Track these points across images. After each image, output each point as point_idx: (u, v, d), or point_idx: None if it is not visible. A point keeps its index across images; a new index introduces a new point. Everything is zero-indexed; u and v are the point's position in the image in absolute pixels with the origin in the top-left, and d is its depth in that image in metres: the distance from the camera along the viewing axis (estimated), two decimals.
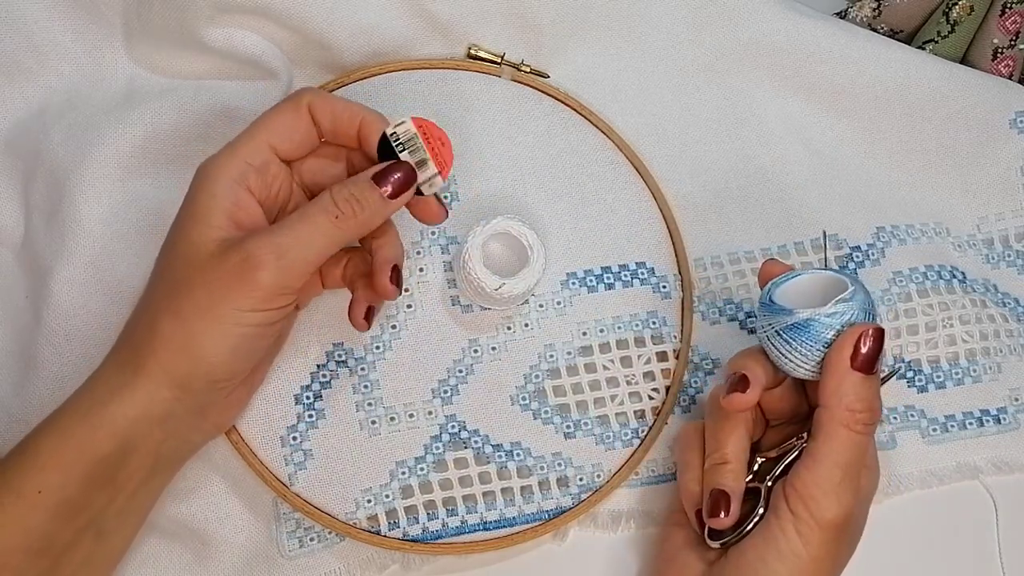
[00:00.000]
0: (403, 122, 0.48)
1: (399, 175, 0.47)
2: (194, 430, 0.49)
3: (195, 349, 0.45)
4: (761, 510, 0.49)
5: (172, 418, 0.46)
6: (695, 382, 0.58)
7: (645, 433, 0.56)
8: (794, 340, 0.47)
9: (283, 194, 0.49)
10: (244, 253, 0.44)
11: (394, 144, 0.48)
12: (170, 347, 0.45)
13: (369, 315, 0.51)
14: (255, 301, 0.45)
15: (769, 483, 0.49)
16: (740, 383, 0.48)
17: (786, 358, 0.48)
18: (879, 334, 0.46)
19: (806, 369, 0.48)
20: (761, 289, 0.50)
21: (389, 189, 0.47)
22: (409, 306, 0.56)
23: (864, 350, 0.46)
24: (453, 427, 0.55)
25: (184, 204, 0.47)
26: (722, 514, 0.49)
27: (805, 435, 0.49)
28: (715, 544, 0.50)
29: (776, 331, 0.48)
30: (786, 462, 0.50)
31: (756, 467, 0.51)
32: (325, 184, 0.49)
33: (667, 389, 0.57)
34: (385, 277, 0.49)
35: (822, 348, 0.47)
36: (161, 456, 0.47)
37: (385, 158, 0.48)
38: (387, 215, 0.48)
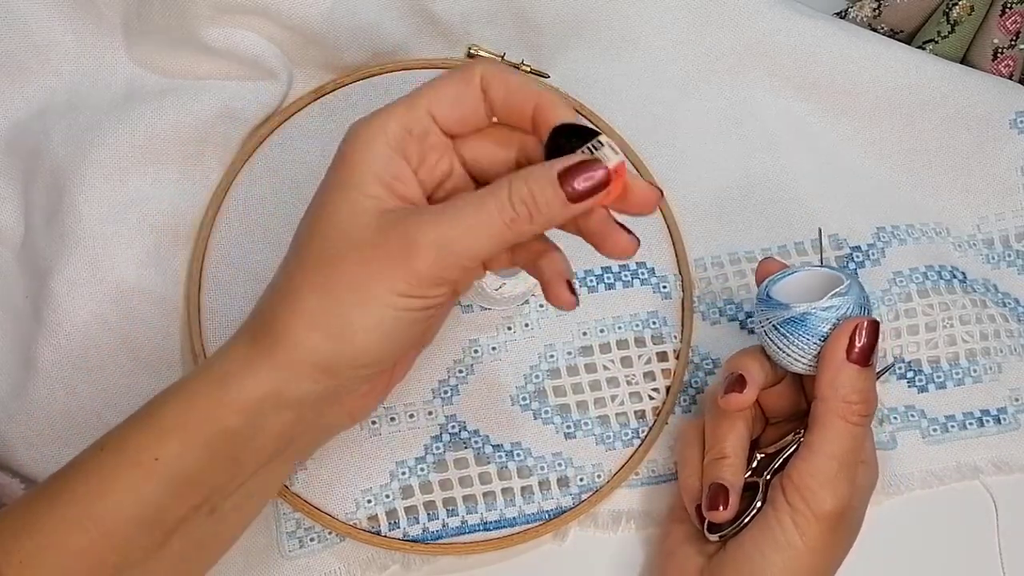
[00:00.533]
0: (618, 153, 0.41)
1: (590, 176, 0.40)
2: (327, 415, 0.45)
3: (345, 329, 0.41)
4: (759, 503, 0.49)
5: (306, 400, 0.42)
6: (695, 382, 0.58)
7: (645, 433, 0.56)
8: (791, 334, 0.48)
9: (441, 169, 0.43)
10: (407, 236, 0.40)
11: (588, 151, 0.41)
12: (316, 325, 0.41)
13: (572, 287, 0.44)
14: (410, 286, 0.40)
15: (768, 477, 0.50)
16: (737, 383, 0.49)
17: (783, 352, 0.48)
18: (874, 327, 0.47)
19: (803, 363, 0.48)
20: (758, 286, 0.51)
21: (573, 190, 0.40)
22: None
23: (860, 342, 0.47)
24: (453, 427, 0.55)
25: (334, 170, 0.42)
26: (721, 507, 0.49)
27: (802, 431, 0.50)
28: (714, 537, 0.50)
29: (773, 326, 0.48)
30: (784, 456, 0.50)
31: (755, 463, 0.51)
32: (489, 169, 0.43)
33: (667, 389, 0.57)
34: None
35: (818, 342, 0.48)
36: (289, 439, 0.43)
37: (553, 150, 0.41)
38: (564, 219, 0.41)
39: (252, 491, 0.44)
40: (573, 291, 0.43)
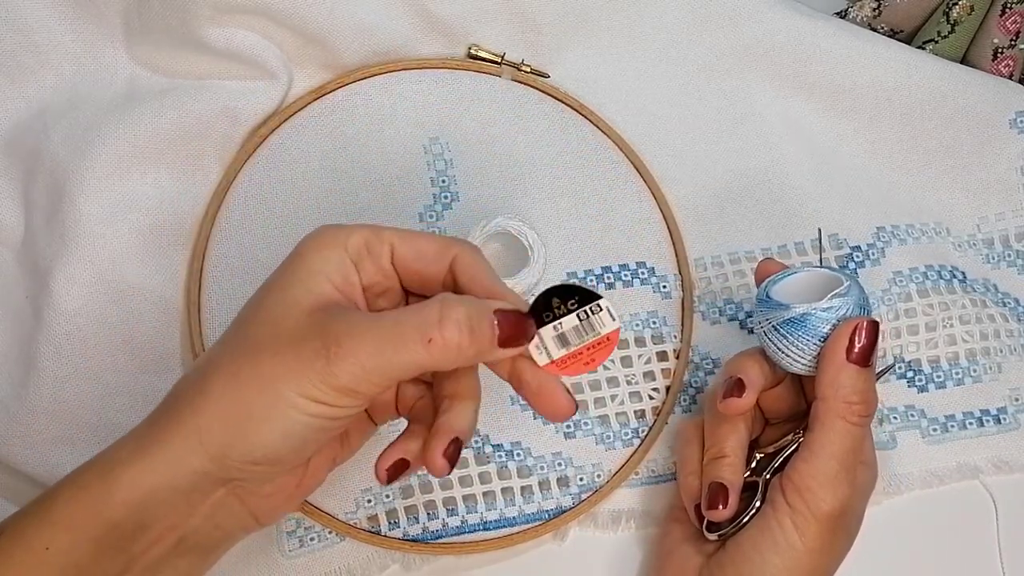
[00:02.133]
0: (615, 320, 0.42)
1: (515, 323, 0.41)
2: (227, 514, 0.43)
3: (241, 421, 0.40)
4: (758, 503, 0.49)
5: (199, 492, 0.41)
6: (695, 382, 0.58)
7: (645, 433, 0.56)
8: (791, 335, 0.48)
9: (384, 302, 0.44)
10: (325, 339, 0.39)
11: (582, 315, 0.42)
12: (215, 410, 0.40)
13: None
14: (319, 391, 0.39)
15: (767, 476, 0.50)
16: (736, 387, 0.49)
17: (783, 353, 0.48)
18: (874, 327, 0.47)
19: (803, 363, 0.48)
20: (758, 287, 0.51)
21: (501, 334, 0.40)
22: None
23: (859, 343, 0.47)
24: None
25: (286, 262, 0.42)
26: (720, 506, 0.49)
27: (801, 431, 0.50)
28: (713, 537, 0.50)
29: (773, 326, 0.48)
30: (783, 456, 0.50)
31: (754, 463, 0.51)
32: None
33: (667, 389, 0.57)
34: (440, 447, 0.42)
35: (818, 342, 0.48)
36: (186, 535, 0.42)
37: (540, 307, 0.42)
38: (487, 358, 0.42)
39: None
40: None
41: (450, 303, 0.40)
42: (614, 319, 0.42)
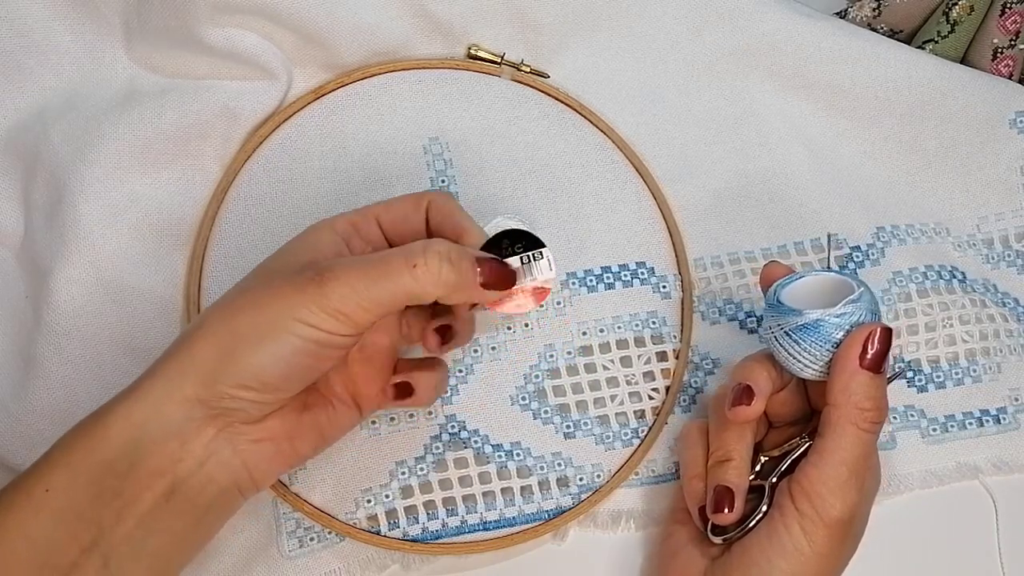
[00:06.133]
0: (552, 270, 0.48)
1: (502, 273, 0.47)
2: (219, 464, 0.43)
3: (233, 343, 0.42)
4: (764, 507, 0.49)
5: (189, 424, 0.42)
6: (695, 382, 0.58)
7: (645, 433, 0.56)
8: (803, 340, 0.48)
9: None
10: (318, 268, 0.43)
11: (525, 259, 0.48)
12: (208, 338, 0.43)
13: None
14: (310, 313, 0.42)
15: (773, 480, 0.50)
16: (744, 395, 0.49)
17: (794, 358, 0.48)
18: (887, 334, 0.47)
19: (814, 369, 0.48)
20: (763, 290, 0.50)
21: (484, 278, 0.46)
22: None
23: (873, 350, 0.47)
24: (453, 427, 0.55)
25: (285, 244, 0.47)
26: (726, 510, 0.49)
27: (806, 435, 0.50)
28: (717, 540, 0.50)
29: (785, 332, 0.48)
30: (789, 460, 0.50)
31: (759, 466, 0.51)
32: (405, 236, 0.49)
33: (667, 389, 0.57)
34: (433, 324, 0.48)
35: (831, 348, 0.48)
36: (178, 481, 0.42)
37: (491, 246, 0.48)
38: (468, 298, 0.46)
39: (145, 545, 0.43)
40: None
41: (433, 240, 0.45)
42: (551, 269, 0.48)
